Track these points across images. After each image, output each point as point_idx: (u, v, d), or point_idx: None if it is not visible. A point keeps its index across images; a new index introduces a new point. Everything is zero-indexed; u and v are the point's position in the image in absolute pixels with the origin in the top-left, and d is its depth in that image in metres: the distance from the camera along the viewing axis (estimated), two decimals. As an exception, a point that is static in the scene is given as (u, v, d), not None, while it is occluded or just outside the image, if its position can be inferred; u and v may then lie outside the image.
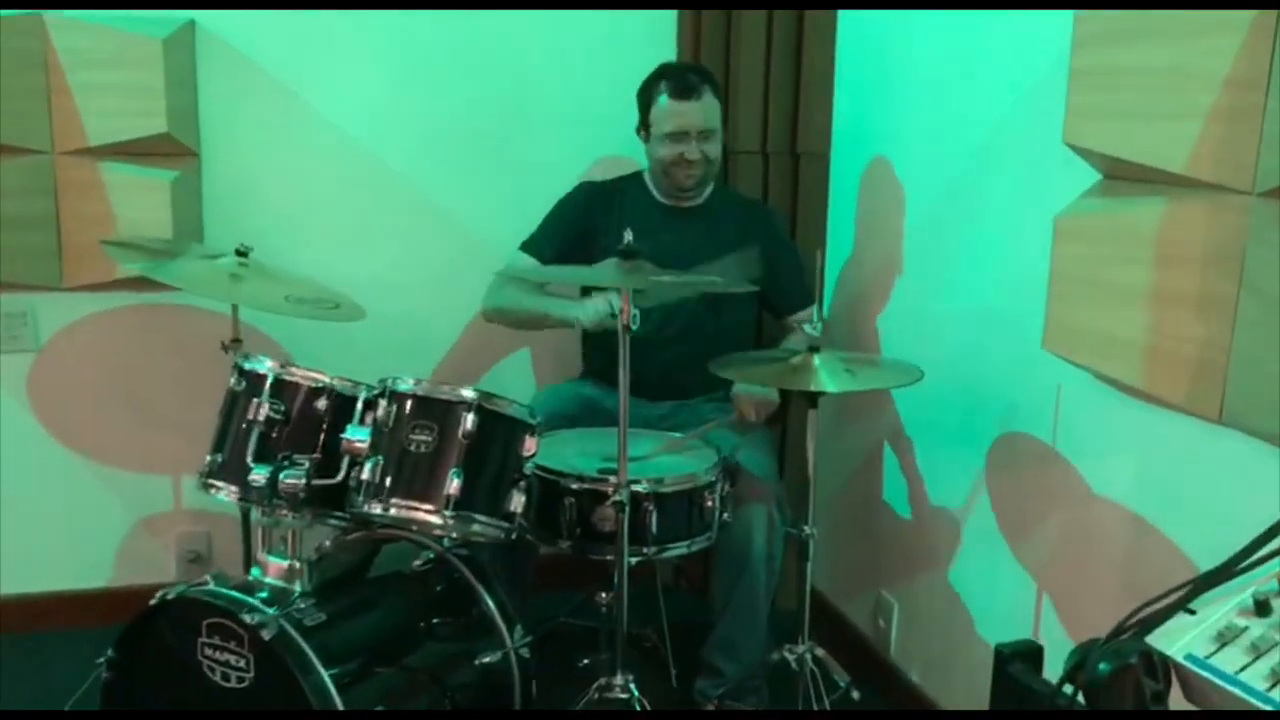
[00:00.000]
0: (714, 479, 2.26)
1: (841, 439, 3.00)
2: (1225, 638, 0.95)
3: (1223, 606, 0.98)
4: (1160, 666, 0.96)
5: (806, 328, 2.16)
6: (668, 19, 2.97)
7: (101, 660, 1.95)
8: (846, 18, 2.86)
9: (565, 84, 2.97)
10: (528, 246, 2.67)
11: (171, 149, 2.69)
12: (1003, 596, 2.24)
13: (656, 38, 2.94)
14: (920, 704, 2.53)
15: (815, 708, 2.23)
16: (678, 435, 2.43)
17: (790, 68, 2.90)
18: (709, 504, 2.25)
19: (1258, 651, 0.93)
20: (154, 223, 2.66)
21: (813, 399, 2.15)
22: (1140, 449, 1.85)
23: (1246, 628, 0.95)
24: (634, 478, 2.14)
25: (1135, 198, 1.74)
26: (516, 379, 3.05)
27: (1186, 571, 0.97)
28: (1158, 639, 0.98)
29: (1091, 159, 1.82)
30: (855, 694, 2.27)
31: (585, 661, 2.51)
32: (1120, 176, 1.79)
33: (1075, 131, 1.82)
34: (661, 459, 2.29)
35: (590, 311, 2.35)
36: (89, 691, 2.01)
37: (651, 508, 2.16)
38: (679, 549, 2.23)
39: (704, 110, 2.58)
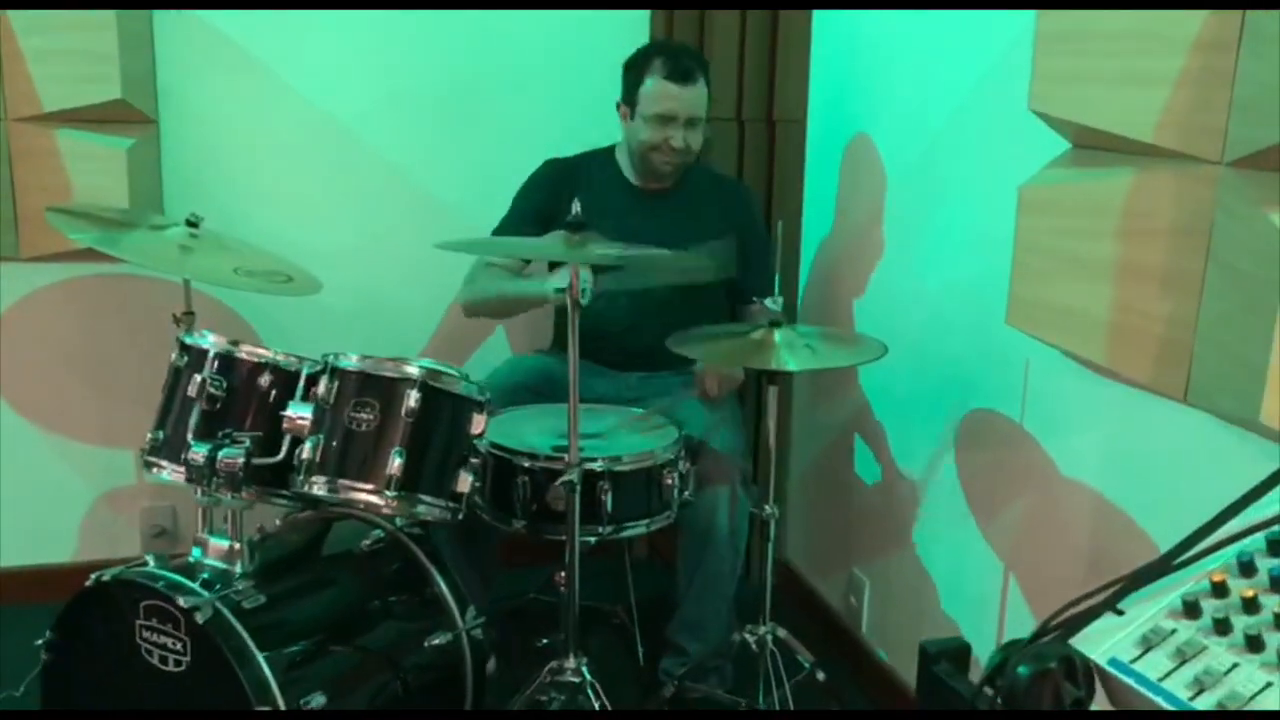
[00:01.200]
0: (673, 457, 2.20)
1: (814, 415, 2.94)
2: (1151, 641, 0.89)
3: (1151, 607, 0.92)
4: (1083, 670, 0.90)
5: (767, 302, 2.08)
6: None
7: (40, 642, 1.90)
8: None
9: (538, 51, 2.88)
10: (500, 231, 2.57)
11: (128, 115, 2.62)
12: (971, 576, 2.19)
13: (630, 25, 2.84)
14: (890, 684, 2.48)
15: (776, 689, 2.18)
16: (638, 411, 2.37)
17: (766, 32, 2.82)
18: (668, 482, 2.19)
19: (1183, 657, 0.87)
20: (111, 191, 2.60)
21: (772, 376, 2.08)
22: (1107, 428, 1.79)
23: (1174, 630, 0.89)
24: (590, 456, 2.08)
25: (1102, 168, 1.67)
26: (496, 352, 2.99)
27: (1151, 555, 0.91)
28: (1082, 641, 0.92)
29: (1059, 127, 1.75)
30: (820, 674, 2.22)
31: (544, 641, 2.46)
32: (1089, 145, 1.72)
33: (1042, 98, 1.74)
34: (620, 436, 2.23)
35: (561, 279, 2.26)
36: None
37: (607, 486, 2.10)
38: (637, 529, 2.18)
39: (695, 97, 2.47)
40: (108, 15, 2.53)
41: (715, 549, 2.34)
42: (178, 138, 2.74)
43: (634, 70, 2.51)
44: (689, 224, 2.51)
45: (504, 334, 3.04)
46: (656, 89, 2.45)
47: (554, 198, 2.50)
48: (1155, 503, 1.69)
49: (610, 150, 2.64)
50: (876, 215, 2.53)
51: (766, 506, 2.17)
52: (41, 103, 2.57)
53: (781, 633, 2.22)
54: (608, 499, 2.11)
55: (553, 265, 2.49)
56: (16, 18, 2.52)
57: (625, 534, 2.18)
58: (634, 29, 2.82)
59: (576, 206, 1.94)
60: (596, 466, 2.09)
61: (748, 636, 2.19)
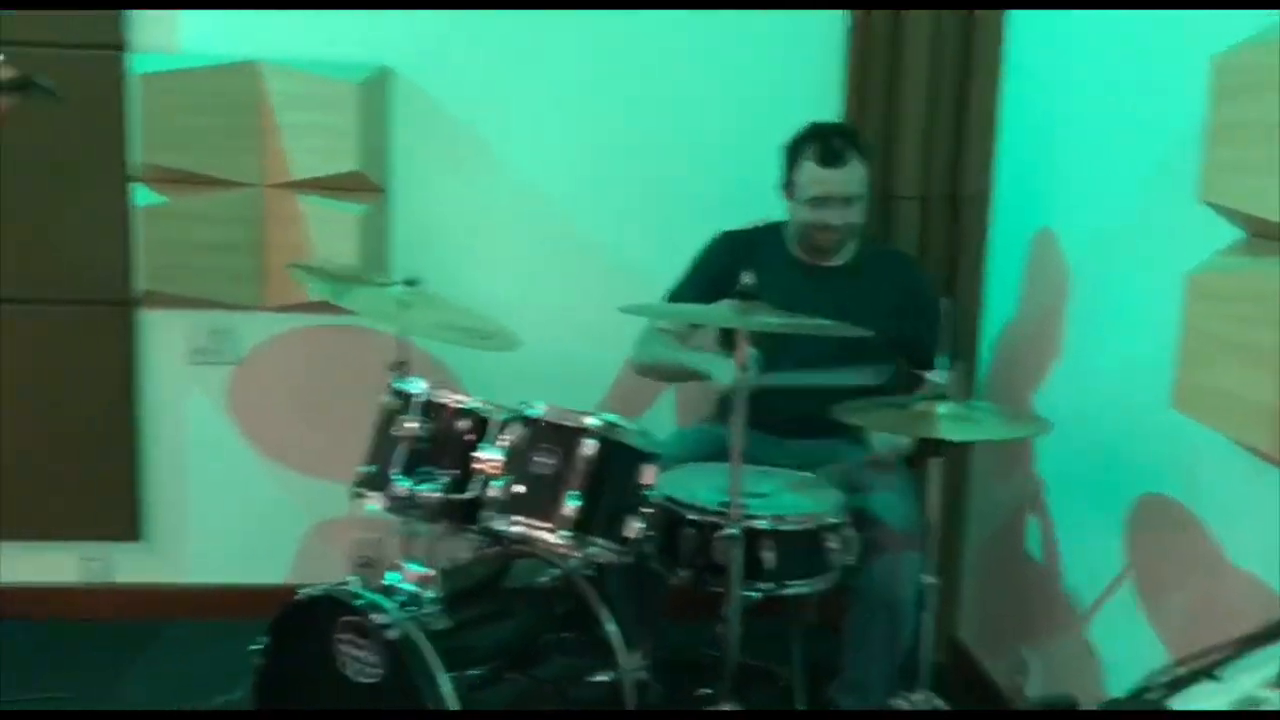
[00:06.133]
0: (838, 520, 2.27)
1: (990, 491, 2.94)
2: (1241, 707, 0.92)
3: (1252, 675, 0.96)
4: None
5: (933, 375, 2.15)
6: (831, 77, 3.00)
7: (255, 647, 2.15)
8: (1013, 59, 2.83)
9: (728, 134, 3.05)
10: (672, 297, 2.73)
11: (362, 185, 2.94)
12: (1136, 661, 2.15)
13: (819, 96, 2.98)
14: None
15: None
16: (805, 474, 2.45)
17: (952, 109, 2.89)
18: (832, 545, 2.26)
19: (1271, 725, 0.90)
20: (343, 251, 2.91)
21: (936, 447, 2.14)
22: (1277, 519, 1.76)
23: (1265, 700, 0.92)
24: (753, 513, 2.18)
25: (1273, 257, 1.67)
26: (666, 409, 3.14)
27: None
28: (1179, 703, 0.96)
29: (1230, 216, 1.76)
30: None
31: (705, 690, 2.55)
32: (1260, 235, 1.72)
33: (1213, 188, 1.76)
34: (785, 496, 2.32)
35: (728, 372, 2.37)
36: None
37: (770, 544, 2.19)
38: (799, 588, 2.25)
39: (849, 177, 2.59)
40: (350, 94, 2.85)
41: (881, 616, 2.39)
42: (403, 205, 3.05)
43: (790, 155, 2.65)
44: (853, 299, 2.58)
45: (674, 395, 3.18)
46: (810, 174, 2.59)
47: (726, 268, 2.63)
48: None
49: (780, 226, 2.77)
50: (1055, 296, 2.55)
51: (930, 577, 2.21)
52: (291, 172, 2.92)
53: (938, 703, 2.24)
54: (770, 556, 2.20)
55: (723, 335, 2.63)
56: (276, 96, 2.87)
57: (787, 592, 2.25)
58: (824, 106, 2.94)
59: (749, 276, 2.07)
60: (760, 524, 2.19)
61: (903, 703, 2.23)
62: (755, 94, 3.05)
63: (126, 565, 3.14)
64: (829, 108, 2.95)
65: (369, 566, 3.16)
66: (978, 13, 2.88)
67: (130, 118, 2.86)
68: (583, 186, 3.09)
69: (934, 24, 2.89)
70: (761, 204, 2.84)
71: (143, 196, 2.90)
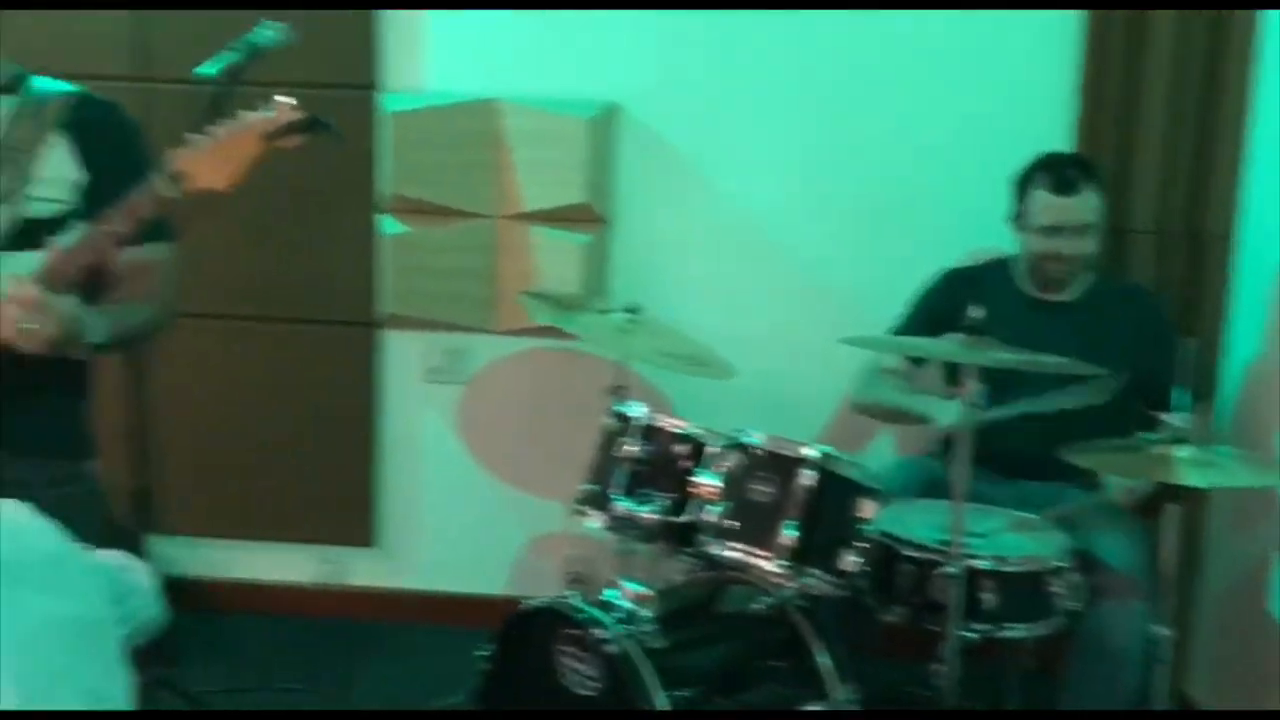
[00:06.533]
0: (1062, 564, 2.20)
1: (1231, 541, 2.78)
2: None
3: None
4: None
5: (1172, 417, 2.06)
6: (1061, 94, 2.91)
7: (481, 654, 2.26)
8: (1266, 71, 2.67)
9: (950, 161, 3.01)
10: (894, 333, 2.72)
11: (587, 216, 3.06)
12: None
13: (1047, 116, 2.91)
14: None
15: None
16: (1029, 516, 2.39)
17: (1194, 141, 2.76)
18: (1055, 589, 2.20)
19: None
20: (567, 279, 3.03)
21: (1173, 492, 2.05)
22: None
23: None
24: (973, 552, 2.14)
25: None
26: (886, 445, 3.11)
27: None
28: None
29: None
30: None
31: (917, 730, 2.51)
32: None
33: None
34: (1007, 537, 2.27)
35: (950, 414, 2.35)
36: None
37: (990, 585, 2.15)
38: (1017, 630, 2.19)
39: (1082, 206, 2.52)
40: (580, 130, 2.98)
41: (1103, 664, 2.30)
42: (625, 235, 3.15)
43: (1021, 185, 2.60)
44: (1085, 335, 2.50)
45: (893, 430, 3.15)
46: (1041, 201, 2.53)
47: (950, 305, 2.61)
48: None
49: (1007, 261, 2.72)
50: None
51: (1161, 628, 2.11)
52: (523, 203, 3.06)
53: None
54: (989, 597, 2.15)
55: (948, 374, 2.59)
56: (512, 132, 3.03)
57: (1006, 634, 2.20)
58: (1053, 126, 2.87)
59: (977, 310, 2.04)
60: (980, 564, 2.15)
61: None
62: (978, 120, 2.99)
63: (360, 569, 3.35)
64: (1058, 129, 2.87)
65: (581, 582, 3.28)
66: (1226, 13, 2.71)
67: (379, 152, 3.07)
68: (802, 217, 3.11)
69: (1178, 25, 2.74)
70: (984, 232, 2.80)
71: (388, 226, 3.11)
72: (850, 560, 2.10)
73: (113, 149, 1.93)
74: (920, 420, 2.53)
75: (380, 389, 3.25)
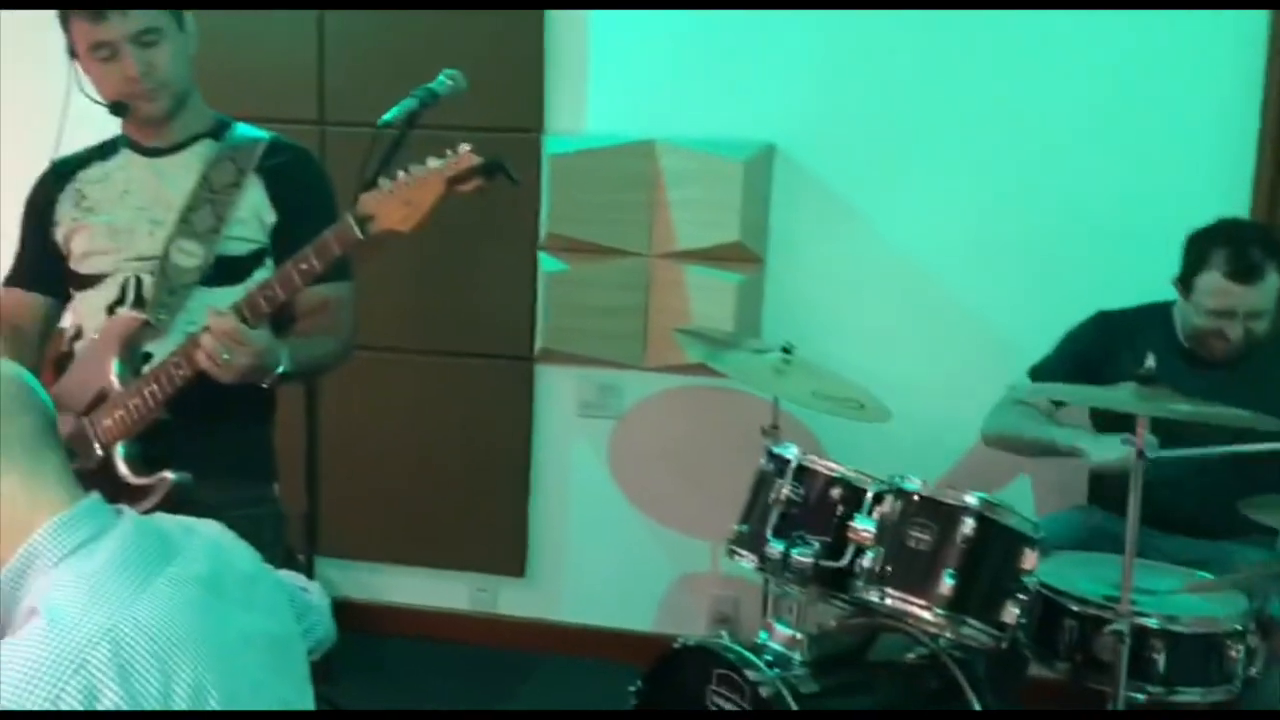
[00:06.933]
0: (1241, 628, 2.10)
1: None
2: None
3: None
4: None
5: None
6: (1238, 163, 2.80)
7: (633, 689, 2.28)
8: None
9: (1115, 206, 2.93)
10: (1038, 373, 2.64)
11: (741, 255, 3.08)
12: None
13: (1225, 180, 2.80)
14: None
15: None
16: (1203, 575, 2.28)
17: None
18: (1233, 654, 2.09)
19: None
20: (719, 318, 3.05)
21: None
22: None
23: None
24: (1143, 610, 2.06)
25: None
26: (1019, 495, 3.01)
27: None
28: None
29: None
30: None
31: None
32: None
33: None
34: (1179, 596, 2.17)
35: (1104, 450, 2.26)
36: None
37: (1160, 645, 2.06)
38: (1190, 695, 2.09)
39: (1260, 295, 2.35)
40: (736, 171, 3.01)
41: (1283, 736, 2.17)
42: (779, 274, 3.15)
43: (1194, 252, 2.42)
44: (1258, 395, 2.28)
45: (1028, 482, 3.05)
46: (1213, 284, 2.36)
47: (1101, 350, 2.53)
48: None
49: (1168, 308, 2.57)
50: None
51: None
52: (677, 242, 3.11)
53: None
54: (1160, 659, 2.06)
55: (1094, 418, 2.50)
56: (668, 172, 3.08)
57: (1177, 699, 2.10)
58: (1230, 189, 2.76)
59: (1151, 360, 1.98)
60: (1150, 622, 2.06)
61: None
62: (1149, 166, 2.90)
63: (511, 598, 3.42)
64: (1237, 178, 2.76)
65: (726, 622, 3.27)
66: None
67: (542, 192, 3.16)
68: (959, 260, 3.06)
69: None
70: (1149, 280, 2.69)
71: (547, 263, 3.20)
72: (1011, 612, 2.04)
73: (302, 191, 2.05)
74: (1062, 453, 2.44)
75: (535, 422, 3.33)
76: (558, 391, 3.31)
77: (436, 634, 3.41)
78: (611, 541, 3.34)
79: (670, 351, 3.12)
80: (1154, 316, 2.59)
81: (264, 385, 1.89)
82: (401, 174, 1.75)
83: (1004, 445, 2.66)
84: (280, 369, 1.85)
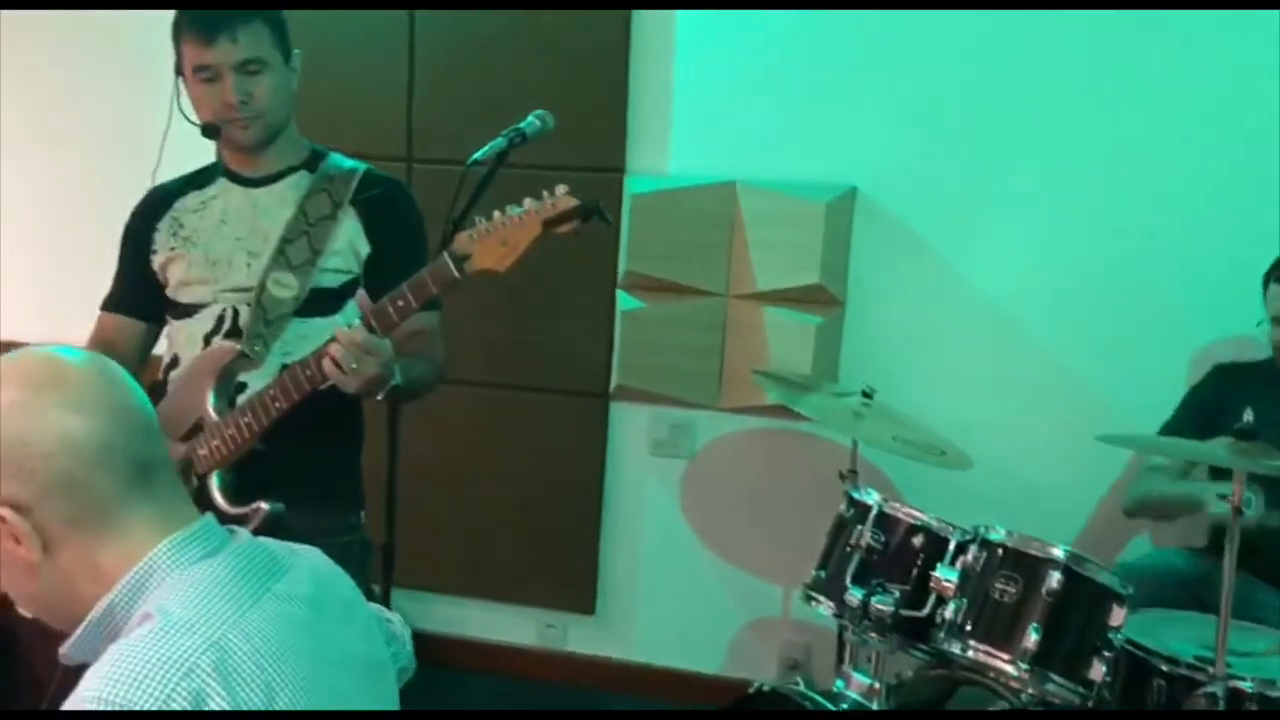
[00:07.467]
0: (1341, 695, 2.01)
1: None
2: None
3: None
4: None
5: None
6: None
7: (704, 732, 2.26)
8: None
9: (1202, 252, 2.87)
10: (1164, 431, 2.61)
11: (821, 297, 3.06)
12: None
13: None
14: None
15: None
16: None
17: None
18: (1333, 723, 2.01)
19: None
20: (797, 360, 3.04)
21: None
22: None
23: None
24: (1237, 674, 1.99)
25: None
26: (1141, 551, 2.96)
27: None
28: None
29: None
30: None
31: None
32: None
33: None
34: (1276, 660, 2.10)
35: (1219, 488, 2.22)
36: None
37: (1256, 709, 1.98)
38: (1285, 762, 2.02)
39: None
40: (819, 213, 3.01)
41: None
42: (859, 317, 3.13)
43: (1266, 282, 2.48)
44: None
45: (1148, 536, 2.98)
46: (1273, 291, 2.42)
47: (1217, 401, 2.50)
48: None
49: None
50: None
51: None
52: (756, 283, 3.11)
53: None
54: (1253, 725, 1.99)
55: (1213, 474, 2.44)
56: (749, 213, 3.08)
57: (1269, 765, 2.03)
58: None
59: (1249, 414, 1.93)
60: (1245, 685, 1.99)
61: None
62: (1232, 211, 2.84)
63: (580, 636, 3.41)
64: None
65: (797, 668, 3.23)
66: None
67: (622, 230, 3.18)
68: (1040, 304, 3.01)
69: None
70: (1238, 328, 2.64)
71: (624, 301, 3.21)
72: (1097, 669, 1.99)
73: (396, 224, 2.09)
74: (1190, 507, 2.42)
75: (608, 459, 3.33)
76: (631, 429, 3.31)
77: (504, 669, 3.41)
78: (682, 582, 3.32)
79: (745, 392, 3.11)
80: (1267, 368, 2.59)
81: (379, 397, 1.92)
82: (497, 214, 1.77)
83: (1143, 513, 2.67)
84: (395, 381, 1.88)
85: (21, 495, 1.08)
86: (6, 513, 1.08)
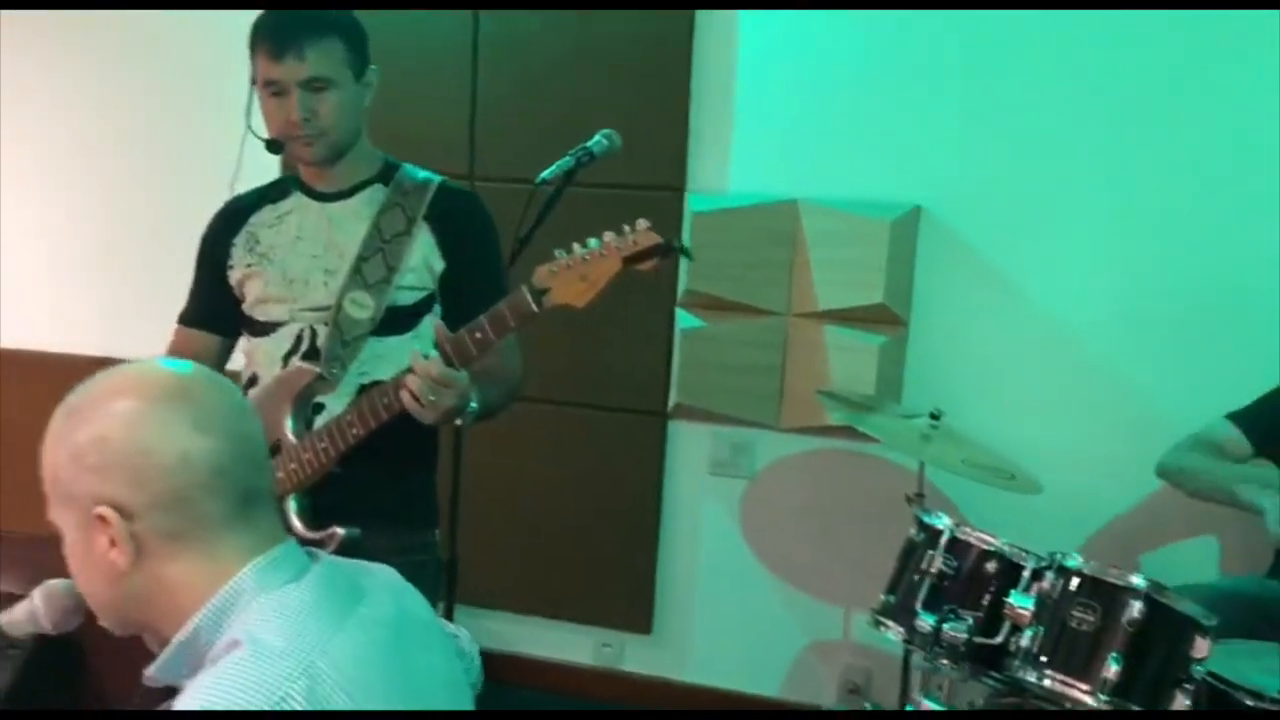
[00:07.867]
0: None
1: None
2: None
3: None
4: None
5: None
6: None
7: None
8: None
9: (1273, 279, 2.81)
10: (1236, 418, 2.56)
11: (884, 317, 3.03)
12: None
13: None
14: None
15: None
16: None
17: None
18: None
19: None
20: (859, 380, 3.00)
21: None
22: None
23: None
24: (1324, 708, 1.94)
25: None
26: (1205, 573, 2.89)
27: None
28: None
29: None
30: None
31: None
32: None
33: None
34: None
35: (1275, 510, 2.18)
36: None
37: (1344, 746, 1.93)
38: (1374, 801, 1.95)
39: None
40: (883, 231, 2.98)
41: None
42: (923, 338, 3.09)
43: None
44: None
45: (1216, 553, 2.91)
46: None
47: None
48: None
49: None
50: None
51: None
52: (817, 302, 3.08)
53: None
54: (1343, 761, 1.93)
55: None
56: (811, 232, 3.06)
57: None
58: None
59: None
60: (1333, 721, 1.94)
61: None
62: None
63: (636, 655, 3.39)
64: None
65: (857, 693, 3.19)
66: None
67: (684, 250, 3.17)
68: (1106, 326, 2.96)
69: None
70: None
71: (684, 320, 3.20)
72: (1180, 701, 1.94)
73: (470, 239, 2.07)
74: (1237, 505, 2.34)
75: (666, 478, 3.31)
76: (690, 448, 3.30)
77: (559, 687, 3.40)
78: (740, 603, 3.29)
79: (805, 412, 3.09)
80: None
81: (458, 423, 1.91)
82: (577, 247, 1.74)
83: (1179, 483, 2.60)
84: (472, 406, 1.88)
85: (130, 501, 1.09)
86: (111, 515, 1.08)
